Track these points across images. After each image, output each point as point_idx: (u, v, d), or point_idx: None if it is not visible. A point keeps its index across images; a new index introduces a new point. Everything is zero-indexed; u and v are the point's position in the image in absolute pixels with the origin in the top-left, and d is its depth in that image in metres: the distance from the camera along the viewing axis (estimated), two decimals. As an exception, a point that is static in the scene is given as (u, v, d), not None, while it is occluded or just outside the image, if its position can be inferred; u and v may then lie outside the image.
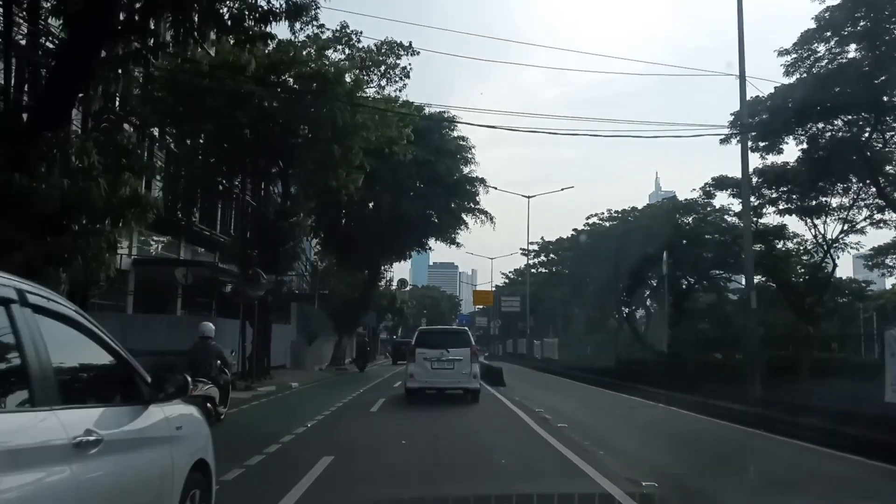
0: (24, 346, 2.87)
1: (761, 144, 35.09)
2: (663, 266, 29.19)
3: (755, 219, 40.69)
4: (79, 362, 3.62)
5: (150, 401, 3.95)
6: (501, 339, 76.01)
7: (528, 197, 46.50)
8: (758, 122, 33.70)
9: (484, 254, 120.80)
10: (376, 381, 26.82)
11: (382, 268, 49.73)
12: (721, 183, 39.56)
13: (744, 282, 53.05)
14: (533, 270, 73.97)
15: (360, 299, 37.99)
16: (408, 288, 75.01)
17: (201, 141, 22.86)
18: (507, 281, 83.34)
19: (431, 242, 38.57)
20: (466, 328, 22.69)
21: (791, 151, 35.57)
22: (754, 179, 39.15)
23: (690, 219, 46.74)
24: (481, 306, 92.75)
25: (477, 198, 37.35)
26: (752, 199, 41.18)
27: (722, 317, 46.10)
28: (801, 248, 41.71)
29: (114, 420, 3.50)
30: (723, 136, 34.42)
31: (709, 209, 45.57)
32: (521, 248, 69.74)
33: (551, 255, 70.02)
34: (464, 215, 37.56)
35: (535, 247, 70.03)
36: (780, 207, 39.28)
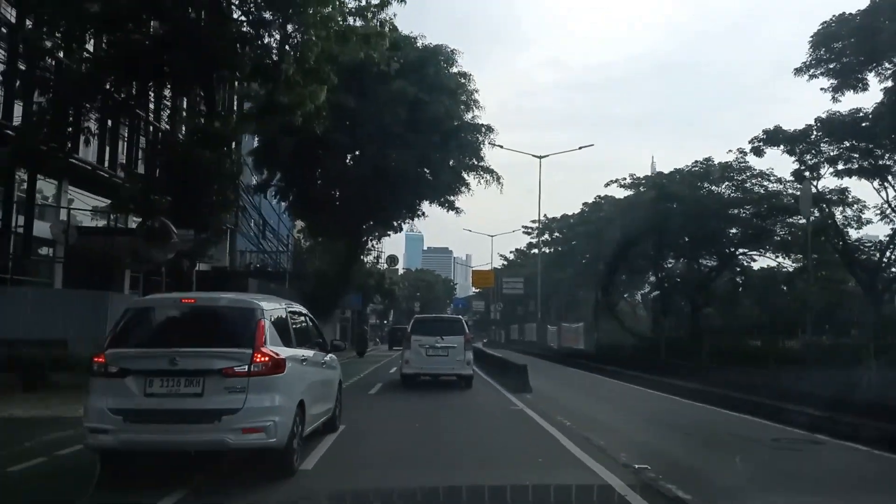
0: (309, 330, 8.78)
1: (834, 82, 27.31)
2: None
3: (813, 182, 33.05)
4: (314, 334, 9.01)
5: (330, 351, 9.36)
6: (503, 325, 67.52)
7: (540, 157, 38.29)
8: (839, 49, 25.85)
9: (483, 231, 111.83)
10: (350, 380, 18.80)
11: (370, 243, 41.75)
12: (774, 137, 31.41)
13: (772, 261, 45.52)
14: (535, 251, 65.94)
15: (338, 276, 29.87)
16: (400, 270, 67.02)
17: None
18: (505, 263, 75.21)
19: (426, 207, 30.42)
20: (461, 317, 22.32)
21: (867, 96, 27.59)
22: (813, 134, 31.53)
23: (723, 186, 38.74)
24: (477, 290, 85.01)
25: (481, 153, 29.26)
26: (808, 156, 33.65)
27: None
28: (860, 215, 33.77)
29: (323, 357, 8.83)
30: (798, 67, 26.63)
31: (747, 174, 37.57)
32: (523, 226, 61.56)
33: (556, 234, 62.12)
34: (465, 174, 29.47)
35: (539, 225, 62.17)
36: (839, 168, 31.51)
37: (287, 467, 6.90)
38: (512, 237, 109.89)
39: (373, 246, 42.20)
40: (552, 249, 61.24)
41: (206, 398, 6.38)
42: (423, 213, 30.31)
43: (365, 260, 42.45)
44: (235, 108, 17.85)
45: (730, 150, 37.57)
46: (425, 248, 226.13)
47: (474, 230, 71.84)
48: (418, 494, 6.12)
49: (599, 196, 49.76)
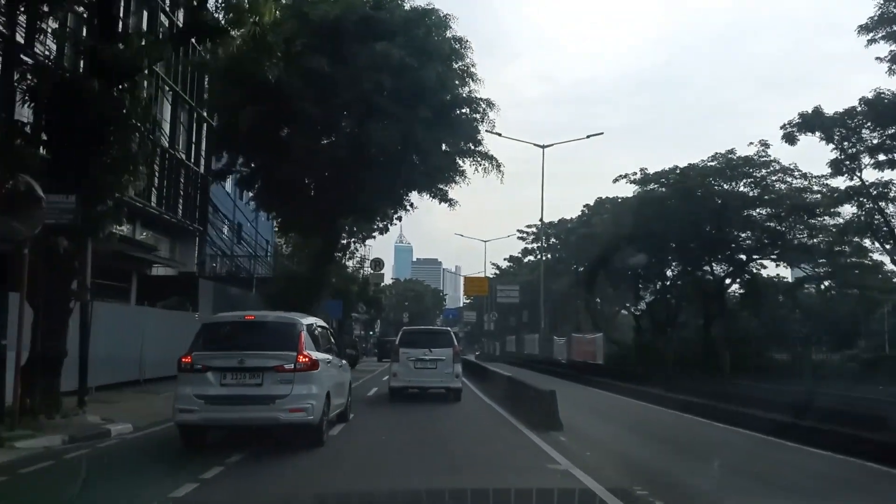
0: (329, 340, 10.88)
1: None
2: None
3: (857, 172, 28.64)
4: (333, 344, 10.91)
5: (342, 358, 11.56)
6: (498, 336, 62.25)
7: (543, 147, 33.58)
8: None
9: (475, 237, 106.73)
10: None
11: (353, 245, 36.84)
12: (811, 121, 26.89)
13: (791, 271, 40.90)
14: (531, 257, 61.28)
15: (310, 279, 24.86)
16: (387, 278, 62.15)
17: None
18: (497, 272, 70.29)
19: (415, 198, 25.51)
20: (449, 329, 21.64)
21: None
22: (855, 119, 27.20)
23: (742, 184, 34.20)
24: (468, 299, 79.90)
25: (479, 136, 24.42)
26: (847, 144, 29.31)
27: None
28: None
29: (340, 362, 11.00)
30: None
31: (770, 169, 33.00)
32: (518, 230, 56.79)
33: (552, 241, 57.46)
34: (459, 161, 24.63)
35: (538, 228, 57.42)
36: (880, 159, 27.09)
37: (318, 439, 9.11)
38: (506, 244, 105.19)
39: (356, 248, 37.42)
40: (548, 256, 56.60)
41: (265, 387, 8.62)
42: (412, 205, 25.44)
43: (347, 264, 37.60)
44: (148, 28, 12.93)
45: (751, 143, 33.17)
46: (414, 259, 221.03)
47: (466, 236, 66.89)
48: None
49: (601, 197, 45.39)
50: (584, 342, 25.80)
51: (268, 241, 46.54)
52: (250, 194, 25.00)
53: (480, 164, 24.69)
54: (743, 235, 35.28)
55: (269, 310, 25.01)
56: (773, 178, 32.87)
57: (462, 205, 25.02)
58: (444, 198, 25.03)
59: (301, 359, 8.69)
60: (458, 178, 24.71)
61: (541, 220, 37.42)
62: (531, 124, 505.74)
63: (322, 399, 8.98)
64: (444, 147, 24.14)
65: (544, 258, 58.00)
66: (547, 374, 25.27)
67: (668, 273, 41.35)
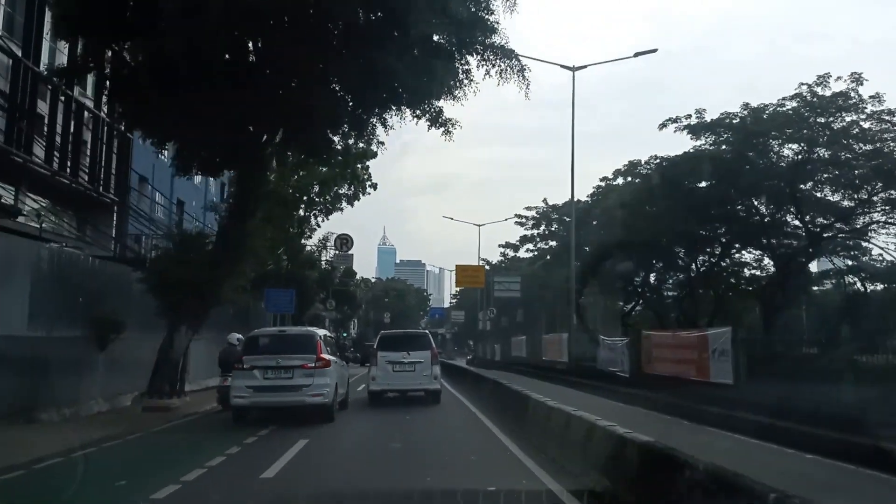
0: (334, 345, 16.27)
1: None
2: None
3: None
4: (336, 348, 16.06)
5: (344, 360, 17.23)
6: (498, 337, 51.52)
7: (574, 69, 23.50)
8: None
9: (469, 220, 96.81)
10: None
11: (313, 218, 26.92)
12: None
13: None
14: (530, 247, 51.28)
15: (220, 249, 14.66)
16: (372, 278, 51.90)
17: None
18: (488, 267, 60.15)
19: (391, 117, 15.39)
20: (427, 332, 21.93)
21: None
22: None
23: (821, 137, 24.60)
24: (454, 299, 69.98)
25: (494, 23, 14.46)
26: None
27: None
28: None
29: (343, 363, 15.85)
30: None
31: (861, 114, 23.50)
32: (516, 214, 46.76)
33: (554, 226, 47.74)
34: (459, 57, 14.66)
35: (535, 213, 47.60)
36: None
37: (330, 416, 12.54)
38: (499, 238, 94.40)
39: (317, 224, 27.29)
40: (551, 244, 46.81)
41: (294, 380, 12.24)
42: (385, 126, 15.35)
43: (304, 243, 27.47)
44: None
45: (839, 77, 23.53)
46: (398, 260, 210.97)
47: (457, 219, 57.85)
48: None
49: (625, 165, 35.49)
50: (676, 345, 15.19)
51: (217, 216, 37.16)
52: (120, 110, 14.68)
53: (494, 65, 14.82)
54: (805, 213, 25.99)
55: (149, 293, 15.73)
56: (859, 125, 23.23)
57: (477, 93, 15.12)
58: (435, 119, 15.11)
59: (319, 359, 12.32)
60: (457, 90, 14.80)
61: (572, 163, 26.23)
62: (509, 129, 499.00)
63: (333, 388, 12.58)
64: (435, 37, 14.21)
65: (547, 246, 48.43)
66: (602, 397, 15.10)
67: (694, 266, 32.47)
